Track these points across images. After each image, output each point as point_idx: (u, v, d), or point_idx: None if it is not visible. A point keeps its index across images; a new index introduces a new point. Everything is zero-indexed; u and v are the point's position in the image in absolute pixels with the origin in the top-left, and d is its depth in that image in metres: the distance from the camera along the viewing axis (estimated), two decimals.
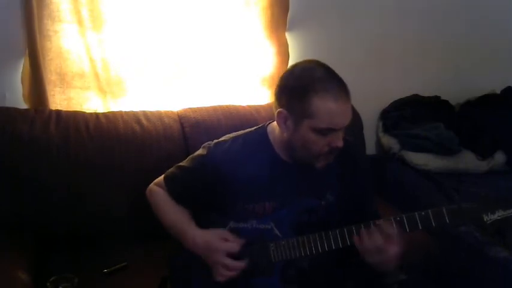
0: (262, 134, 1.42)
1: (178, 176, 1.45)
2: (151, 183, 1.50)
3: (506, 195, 1.20)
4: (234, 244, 1.31)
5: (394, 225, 1.21)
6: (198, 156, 1.44)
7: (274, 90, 1.34)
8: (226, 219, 1.38)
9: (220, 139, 1.47)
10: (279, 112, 1.31)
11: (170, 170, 1.48)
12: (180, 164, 1.47)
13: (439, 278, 1.67)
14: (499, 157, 2.28)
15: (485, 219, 1.18)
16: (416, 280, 1.49)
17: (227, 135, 1.47)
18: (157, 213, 1.46)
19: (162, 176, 1.48)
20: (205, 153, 1.43)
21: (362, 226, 1.24)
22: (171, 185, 1.45)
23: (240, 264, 1.30)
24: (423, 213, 1.21)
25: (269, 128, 1.43)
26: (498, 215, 1.17)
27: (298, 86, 1.27)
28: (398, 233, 1.20)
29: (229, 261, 1.29)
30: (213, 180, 1.38)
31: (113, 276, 1.59)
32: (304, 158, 1.32)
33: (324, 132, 1.25)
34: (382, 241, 1.19)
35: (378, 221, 1.23)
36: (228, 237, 1.32)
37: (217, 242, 1.31)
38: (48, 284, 1.36)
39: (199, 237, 1.34)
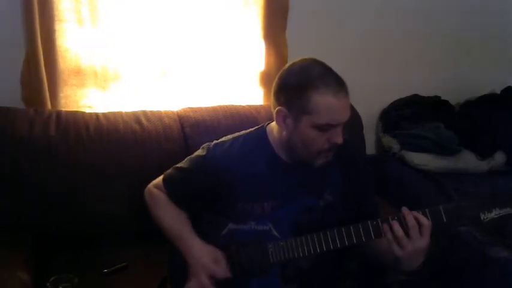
0: (261, 134, 1.42)
1: (177, 178, 1.44)
2: (150, 185, 1.50)
3: (502, 193, 1.20)
4: (221, 271, 1.31)
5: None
6: (197, 157, 1.44)
7: (272, 89, 1.34)
8: (225, 220, 1.38)
9: (220, 140, 1.46)
10: (278, 110, 1.31)
11: (168, 171, 1.47)
12: (179, 165, 1.47)
13: (439, 278, 1.67)
14: (499, 157, 2.29)
15: (482, 218, 1.18)
16: (416, 280, 1.49)
17: (227, 136, 1.47)
18: (155, 215, 1.45)
19: (161, 177, 1.48)
20: (204, 153, 1.43)
21: (360, 226, 1.24)
22: (170, 187, 1.44)
23: None
24: (420, 212, 1.21)
25: (268, 128, 1.43)
26: (495, 213, 1.18)
27: (296, 83, 1.27)
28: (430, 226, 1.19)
29: (207, 284, 1.29)
30: (212, 180, 1.38)
31: (113, 276, 1.59)
32: (303, 156, 1.32)
33: (323, 128, 1.25)
34: (417, 230, 1.18)
35: (411, 212, 1.20)
36: (220, 262, 1.32)
37: (208, 261, 1.31)
38: (48, 284, 1.36)
39: (196, 248, 1.34)
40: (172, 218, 1.42)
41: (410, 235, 1.18)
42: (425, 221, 1.19)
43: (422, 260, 1.22)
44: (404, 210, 1.21)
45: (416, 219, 1.19)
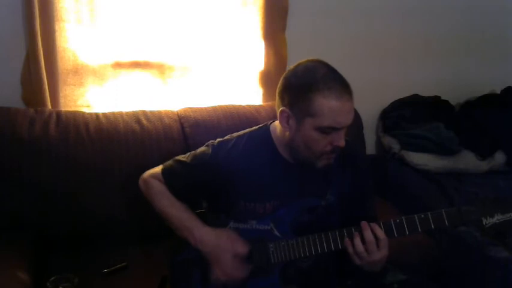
0: (265, 133, 1.42)
1: (178, 171, 1.43)
2: (146, 174, 1.47)
3: (505, 198, 1.20)
4: (242, 248, 1.32)
5: (383, 228, 1.24)
6: (201, 154, 1.42)
7: (277, 89, 1.34)
8: (227, 218, 1.38)
9: (224, 138, 1.45)
10: (281, 111, 1.31)
11: (168, 163, 1.45)
12: (181, 159, 1.45)
13: (439, 278, 1.67)
14: (499, 157, 2.29)
15: (484, 223, 1.19)
16: (416, 280, 1.49)
17: (231, 135, 1.46)
18: (156, 206, 1.43)
19: (159, 167, 1.45)
20: (209, 151, 1.41)
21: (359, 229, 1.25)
22: (169, 179, 1.42)
23: (245, 270, 1.31)
24: (422, 215, 1.22)
25: (272, 127, 1.42)
26: (497, 218, 1.18)
27: (301, 84, 1.27)
28: (387, 237, 1.24)
29: (236, 264, 1.30)
30: (215, 179, 1.38)
31: (113, 276, 1.59)
32: (306, 157, 1.32)
33: (326, 131, 1.25)
34: (375, 245, 1.22)
35: (369, 224, 1.24)
36: (237, 240, 1.33)
37: (227, 243, 1.32)
38: (48, 284, 1.36)
39: (208, 234, 1.34)
40: (176, 209, 1.40)
41: (368, 249, 1.22)
42: (382, 235, 1.22)
43: (382, 265, 1.27)
44: (363, 224, 1.24)
45: (374, 233, 1.22)
